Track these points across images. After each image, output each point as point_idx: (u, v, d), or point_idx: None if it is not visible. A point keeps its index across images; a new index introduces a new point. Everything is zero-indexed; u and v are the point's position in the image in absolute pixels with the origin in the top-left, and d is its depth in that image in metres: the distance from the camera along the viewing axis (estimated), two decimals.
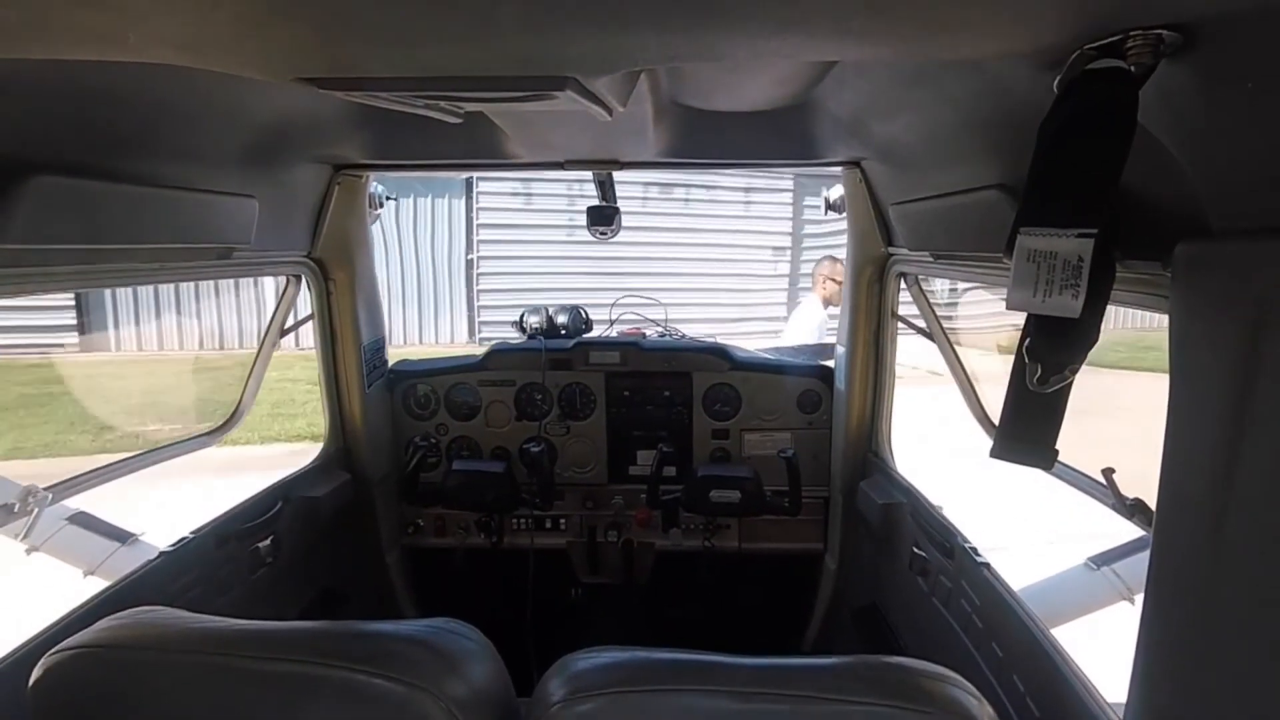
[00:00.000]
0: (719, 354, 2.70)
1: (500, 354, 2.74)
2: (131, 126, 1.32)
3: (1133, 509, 1.30)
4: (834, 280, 4.91)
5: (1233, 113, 0.73)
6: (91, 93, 1.17)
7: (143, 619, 1.02)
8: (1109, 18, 0.70)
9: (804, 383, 2.68)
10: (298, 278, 2.33)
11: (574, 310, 2.87)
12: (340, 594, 2.50)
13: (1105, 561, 2.32)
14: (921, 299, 2.34)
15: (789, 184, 13.28)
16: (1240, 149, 0.75)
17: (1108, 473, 1.37)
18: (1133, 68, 0.72)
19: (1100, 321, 0.79)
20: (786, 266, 13.84)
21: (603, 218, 2.55)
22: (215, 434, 2.33)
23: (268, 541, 2.07)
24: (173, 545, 1.77)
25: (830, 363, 2.68)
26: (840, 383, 2.54)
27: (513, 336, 2.91)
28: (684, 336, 3.06)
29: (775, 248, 13.68)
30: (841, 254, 2.80)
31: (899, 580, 2.14)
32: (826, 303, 4.85)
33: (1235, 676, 0.74)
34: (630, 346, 2.73)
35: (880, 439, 2.46)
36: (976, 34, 0.78)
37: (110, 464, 1.91)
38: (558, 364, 2.71)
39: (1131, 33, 0.70)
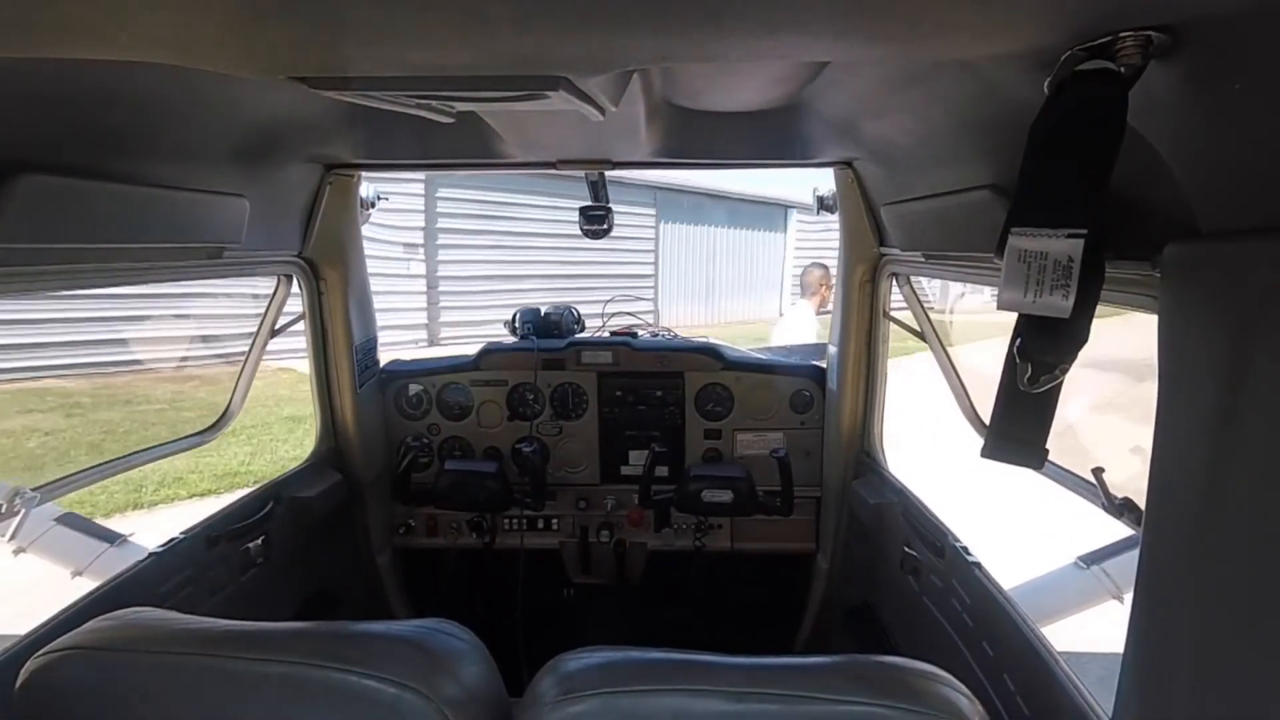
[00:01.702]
0: (711, 354, 2.71)
1: (492, 354, 2.74)
2: (121, 125, 1.31)
3: (1121, 508, 1.31)
4: (825, 285, 5.02)
5: (1220, 114, 0.73)
6: (81, 91, 1.16)
7: (131, 620, 1.01)
8: (1098, 19, 0.70)
9: (796, 383, 2.69)
10: (289, 277, 2.32)
11: (566, 310, 2.88)
12: (331, 594, 2.49)
13: (1095, 560, 2.34)
14: (914, 299, 2.35)
15: (421, 175, 12.15)
16: (1228, 150, 0.75)
17: (1097, 472, 1.38)
18: (1122, 69, 0.72)
19: (1090, 322, 0.79)
20: (422, 266, 12.86)
21: (595, 218, 2.55)
22: (207, 434, 2.31)
23: (259, 542, 2.06)
24: (162, 546, 1.76)
25: (823, 363, 2.68)
26: (833, 383, 2.55)
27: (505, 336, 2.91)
28: (676, 336, 3.06)
29: (407, 244, 12.65)
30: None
31: (891, 580, 2.14)
32: (821, 308, 4.95)
33: (1223, 674, 0.75)
34: (622, 346, 2.73)
35: (872, 439, 2.46)
36: (967, 34, 0.78)
37: (100, 464, 1.90)
38: (550, 364, 2.71)
39: (1121, 34, 0.71)
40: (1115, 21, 0.70)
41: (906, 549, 2.01)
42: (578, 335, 2.85)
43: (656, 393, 2.72)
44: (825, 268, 4.99)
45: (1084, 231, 0.75)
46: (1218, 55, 0.69)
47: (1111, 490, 1.35)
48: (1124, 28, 0.70)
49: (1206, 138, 0.77)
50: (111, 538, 2.40)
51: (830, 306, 4.53)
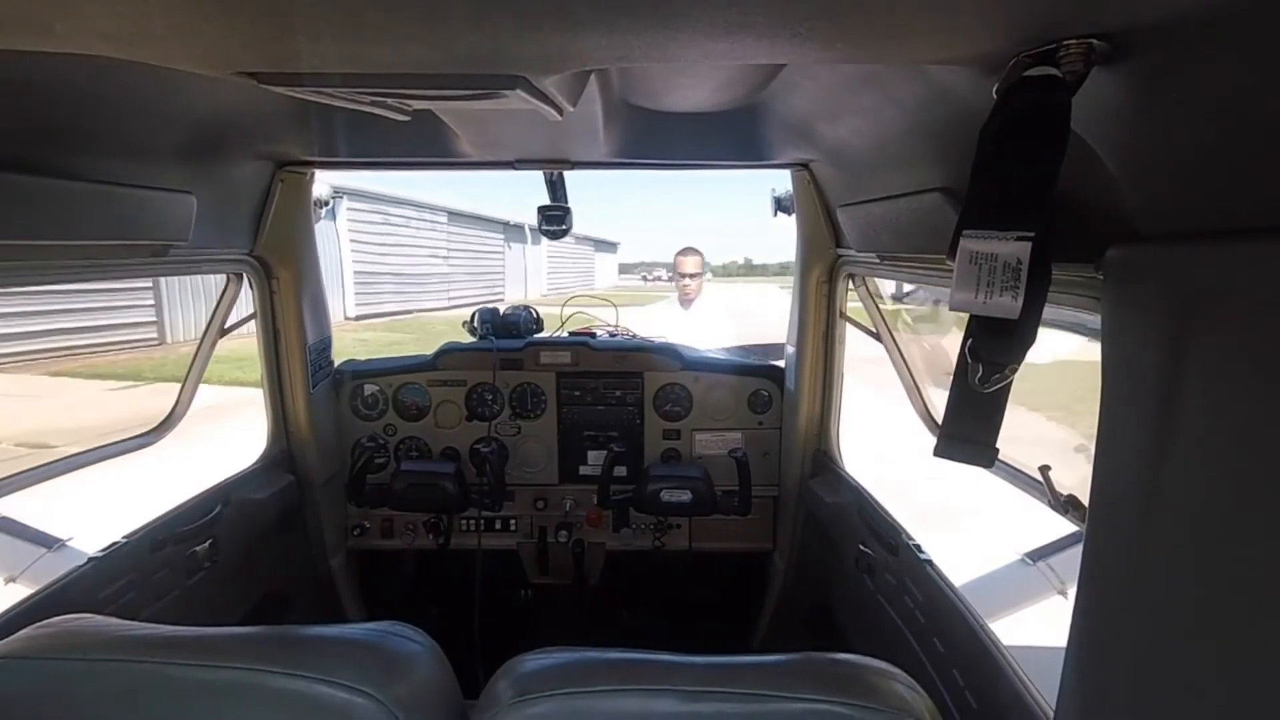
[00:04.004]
0: (670, 354, 2.72)
1: (450, 354, 2.71)
2: (60, 119, 1.27)
3: (1066, 505, 1.34)
4: (683, 275, 4.26)
5: (1157, 121, 0.76)
6: (16, 83, 1.12)
7: (68, 626, 0.97)
8: (1042, 26, 0.72)
9: (754, 383, 2.71)
10: (239, 276, 2.27)
11: (525, 310, 2.87)
12: (282, 598, 2.44)
13: (1041, 556, 2.40)
14: (869, 300, 2.38)
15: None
16: (1164, 157, 0.78)
17: (1044, 469, 1.42)
18: (1066, 75, 0.74)
19: (1038, 322, 0.81)
20: None
21: (554, 218, 2.54)
22: (150, 436, 2.25)
23: (206, 545, 2.01)
24: (103, 550, 1.70)
25: (781, 363, 2.71)
26: (790, 383, 2.58)
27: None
28: (635, 336, 3.07)
29: None
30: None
31: (846, 578, 2.17)
32: (685, 301, 4.30)
33: (1163, 668, 0.77)
34: (581, 346, 2.73)
35: (830, 438, 2.50)
36: (919, 39, 0.79)
37: (40, 466, 1.84)
38: (509, 364, 2.69)
39: (1064, 41, 0.73)
40: (1058, 29, 0.72)
41: (862, 547, 2.04)
42: (536, 335, 2.84)
43: (615, 393, 2.72)
44: (688, 252, 4.25)
45: (1031, 234, 0.77)
46: (1155, 64, 0.71)
47: (1057, 487, 1.39)
48: (1067, 35, 0.72)
49: (1145, 144, 0.79)
50: (49, 542, 2.32)
51: (692, 300, 4.23)
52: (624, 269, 65.72)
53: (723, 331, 4.13)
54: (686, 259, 4.23)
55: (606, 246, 46.81)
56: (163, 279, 12.28)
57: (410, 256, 21.77)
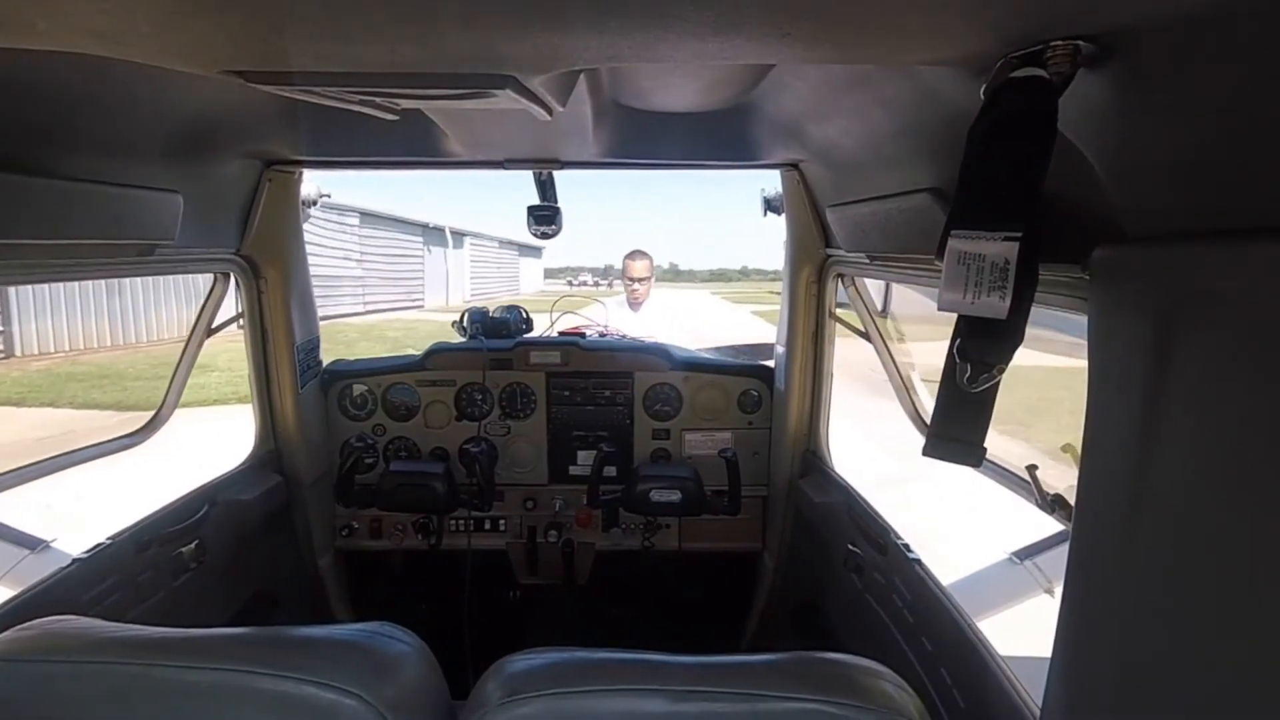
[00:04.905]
0: (660, 354, 2.72)
1: (440, 354, 2.71)
2: (44, 118, 1.26)
3: (1053, 504, 1.35)
4: (632, 279, 4.26)
5: (1143, 123, 0.76)
6: (0, 82, 1.11)
7: (51, 629, 0.96)
8: (1029, 27, 0.72)
9: (744, 383, 2.72)
10: (226, 275, 2.25)
11: (515, 310, 2.86)
12: (270, 599, 2.43)
13: (1028, 555, 2.42)
14: (859, 300, 2.39)
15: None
16: (1150, 158, 0.78)
17: (1031, 469, 1.42)
18: (1053, 76, 0.75)
19: (1025, 322, 0.82)
20: None
21: (544, 218, 2.54)
22: (136, 436, 2.23)
23: (192, 546, 1.99)
24: (87, 551, 1.68)
25: (770, 363, 2.72)
26: (780, 383, 2.58)
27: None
28: (625, 337, 3.07)
29: None
30: None
31: (835, 577, 2.18)
32: (634, 304, 4.29)
33: (1148, 667, 0.78)
34: (571, 346, 2.73)
35: (819, 438, 2.50)
36: (907, 40, 0.80)
37: (27, 465, 1.82)
38: (498, 363, 2.69)
39: (1051, 43, 0.73)
40: (1045, 30, 0.72)
41: (850, 547, 2.04)
42: (526, 335, 2.83)
43: (605, 393, 2.72)
44: (637, 255, 4.27)
45: (1019, 235, 0.77)
46: (1140, 66, 0.71)
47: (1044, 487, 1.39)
48: (1053, 37, 0.73)
49: (1131, 145, 0.80)
50: (32, 544, 2.30)
51: (641, 303, 4.21)
52: (549, 274, 66.52)
53: (669, 332, 4.05)
54: (635, 263, 4.22)
55: (531, 251, 46.46)
56: (10, 288, 10.89)
57: (317, 258, 20.20)
